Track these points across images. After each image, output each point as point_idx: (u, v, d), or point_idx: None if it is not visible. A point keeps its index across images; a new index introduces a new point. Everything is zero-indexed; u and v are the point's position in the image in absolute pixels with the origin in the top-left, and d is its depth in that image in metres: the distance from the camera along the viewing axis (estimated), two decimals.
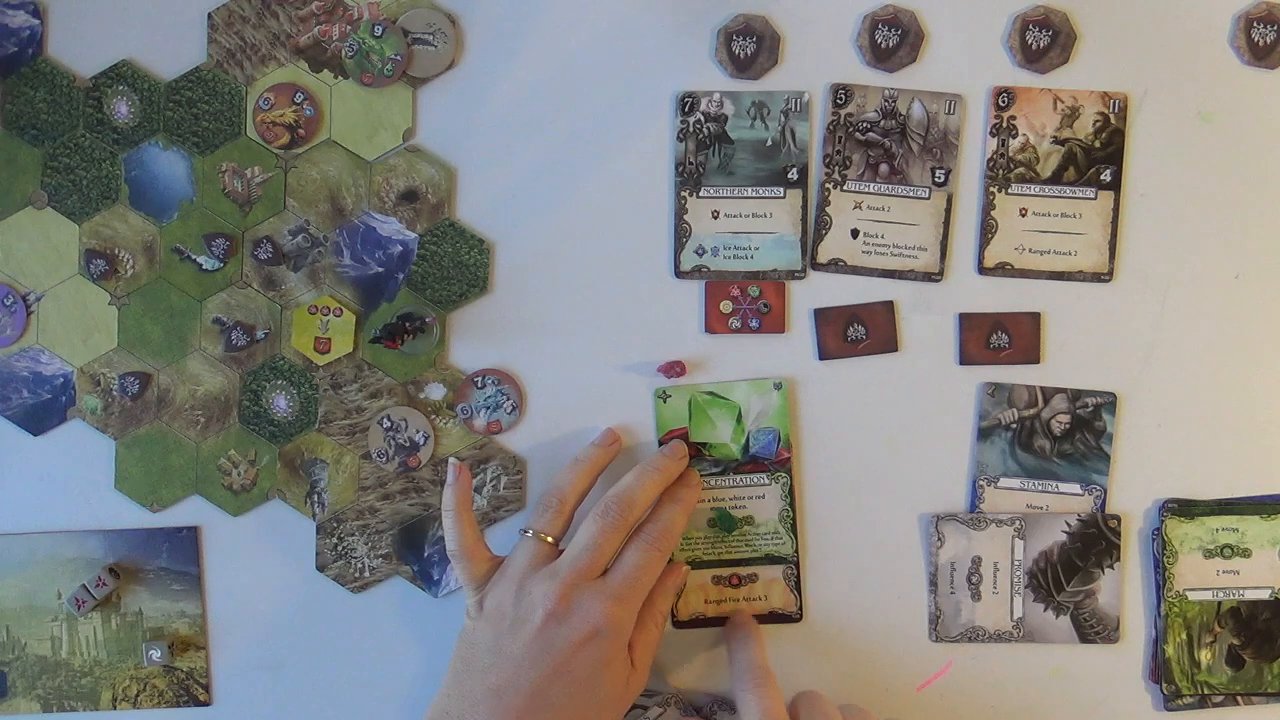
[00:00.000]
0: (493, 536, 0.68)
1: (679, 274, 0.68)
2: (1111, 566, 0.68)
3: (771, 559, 0.69)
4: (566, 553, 0.62)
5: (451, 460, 0.65)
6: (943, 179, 0.68)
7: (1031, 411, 0.68)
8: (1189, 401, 0.68)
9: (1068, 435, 0.68)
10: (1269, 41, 0.68)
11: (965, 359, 0.68)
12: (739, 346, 0.68)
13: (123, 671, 0.69)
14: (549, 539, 0.63)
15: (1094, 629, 0.68)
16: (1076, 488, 0.68)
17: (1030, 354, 0.68)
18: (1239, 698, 0.69)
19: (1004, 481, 0.68)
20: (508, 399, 0.68)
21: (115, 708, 0.69)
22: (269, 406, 0.69)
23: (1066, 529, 0.68)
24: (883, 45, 0.67)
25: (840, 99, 0.68)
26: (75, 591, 0.67)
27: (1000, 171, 0.68)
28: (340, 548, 0.69)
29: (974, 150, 0.68)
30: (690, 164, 0.68)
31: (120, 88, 0.68)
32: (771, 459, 0.68)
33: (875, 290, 0.68)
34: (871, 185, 0.68)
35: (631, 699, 0.63)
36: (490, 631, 0.61)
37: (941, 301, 0.68)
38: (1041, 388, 0.68)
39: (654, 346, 0.68)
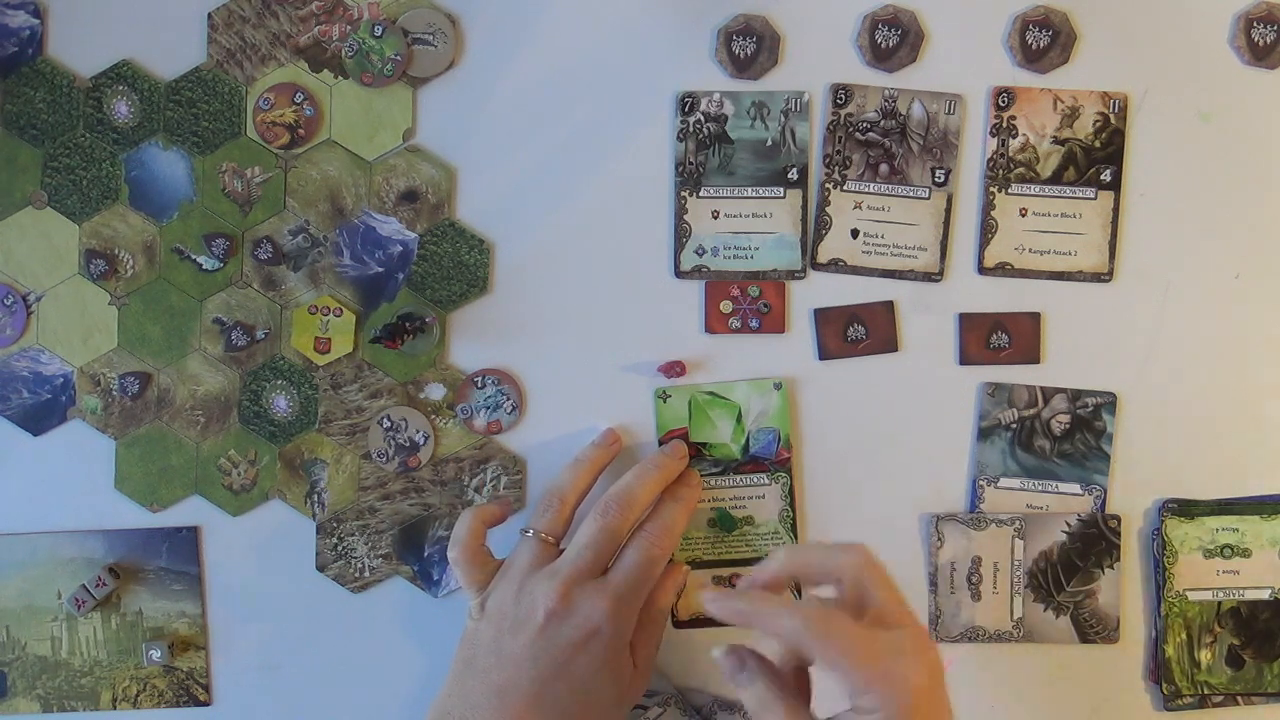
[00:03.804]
0: (493, 537, 0.68)
1: (679, 274, 0.68)
2: (1111, 566, 0.68)
3: None
4: (567, 552, 0.62)
5: (507, 496, 0.68)
6: (943, 179, 0.68)
7: (1031, 411, 0.68)
8: (1189, 401, 0.68)
9: (1068, 435, 0.68)
10: (1269, 41, 0.68)
11: (965, 359, 0.68)
12: (739, 346, 0.68)
13: (123, 671, 0.69)
14: (549, 539, 0.63)
15: (1094, 629, 0.68)
16: (1076, 488, 0.68)
17: (1030, 354, 0.68)
18: (1239, 698, 0.69)
19: (1004, 481, 0.68)
20: (508, 399, 0.68)
21: (115, 708, 0.69)
22: (269, 406, 0.69)
23: (1066, 529, 0.68)
24: (883, 45, 0.67)
25: (840, 99, 0.68)
26: (75, 591, 0.67)
27: (1000, 171, 0.68)
28: (340, 548, 0.69)
29: (974, 150, 0.68)
30: (690, 164, 0.68)
31: (120, 88, 0.68)
32: (771, 459, 0.68)
33: (875, 290, 0.68)
34: (871, 185, 0.68)
35: (634, 699, 0.63)
36: (492, 632, 0.61)
37: (941, 301, 0.68)
38: (1041, 388, 0.68)
39: (654, 346, 0.68)
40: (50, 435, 0.69)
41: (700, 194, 0.68)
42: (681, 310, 0.68)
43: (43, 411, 0.69)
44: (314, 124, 0.68)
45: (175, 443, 0.69)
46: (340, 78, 0.68)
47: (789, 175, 0.68)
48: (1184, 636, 0.68)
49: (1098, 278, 0.68)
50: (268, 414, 0.69)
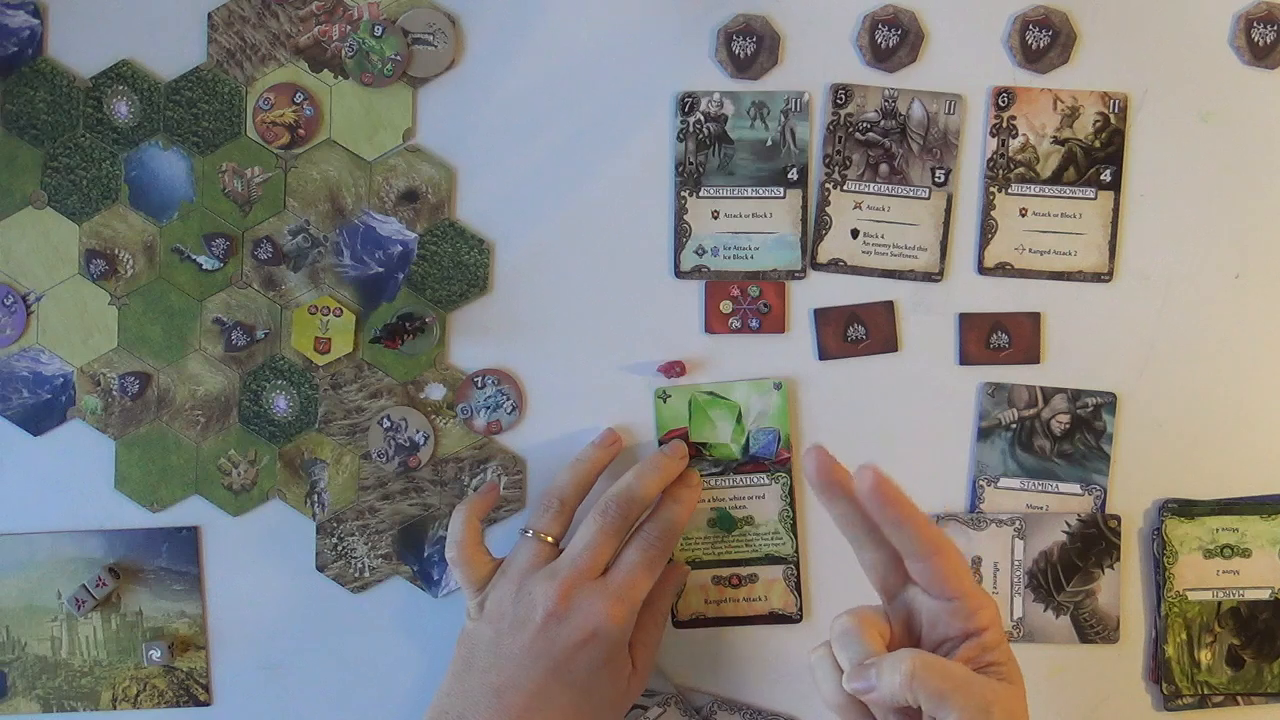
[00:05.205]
0: (493, 536, 0.68)
1: (679, 274, 0.68)
2: (1111, 566, 0.68)
3: (771, 559, 0.69)
4: (566, 552, 0.62)
5: (492, 480, 0.67)
6: (943, 179, 0.68)
7: (1031, 411, 0.68)
8: (1189, 401, 0.68)
9: (1068, 435, 0.68)
10: (1269, 41, 0.68)
11: (965, 359, 0.68)
12: (739, 346, 0.68)
13: (123, 671, 0.69)
14: (549, 539, 0.63)
15: (1094, 629, 0.68)
16: (1076, 488, 0.68)
17: (1030, 354, 0.68)
18: (1239, 698, 0.69)
19: (1004, 481, 0.68)
20: (508, 399, 0.68)
21: (115, 708, 0.69)
22: (269, 406, 0.69)
23: (1066, 529, 0.68)
24: (883, 45, 0.67)
25: (840, 99, 0.68)
26: (75, 591, 0.67)
27: (1000, 171, 0.68)
28: (340, 548, 0.69)
29: (974, 150, 0.68)
30: (690, 164, 0.68)
31: (120, 88, 0.68)
32: (771, 459, 0.68)
33: (875, 290, 0.68)
34: (871, 185, 0.68)
35: (633, 699, 0.63)
36: (490, 631, 0.61)
37: (941, 301, 0.68)
38: (1041, 388, 0.68)
39: (654, 346, 0.68)
40: (50, 435, 0.69)
41: (700, 194, 0.68)
42: (681, 310, 0.68)
43: (43, 411, 0.69)
44: (314, 124, 0.68)
45: (175, 443, 0.69)
46: (340, 78, 0.68)
47: (789, 175, 0.68)
48: (1184, 636, 0.68)
49: (1098, 278, 0.68)
50: (268, 414, 0.69)
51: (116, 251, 0.68)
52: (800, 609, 0.69)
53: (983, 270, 0.68)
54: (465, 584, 0.63)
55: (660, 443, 0.68)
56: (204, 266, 0.68)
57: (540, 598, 0.60)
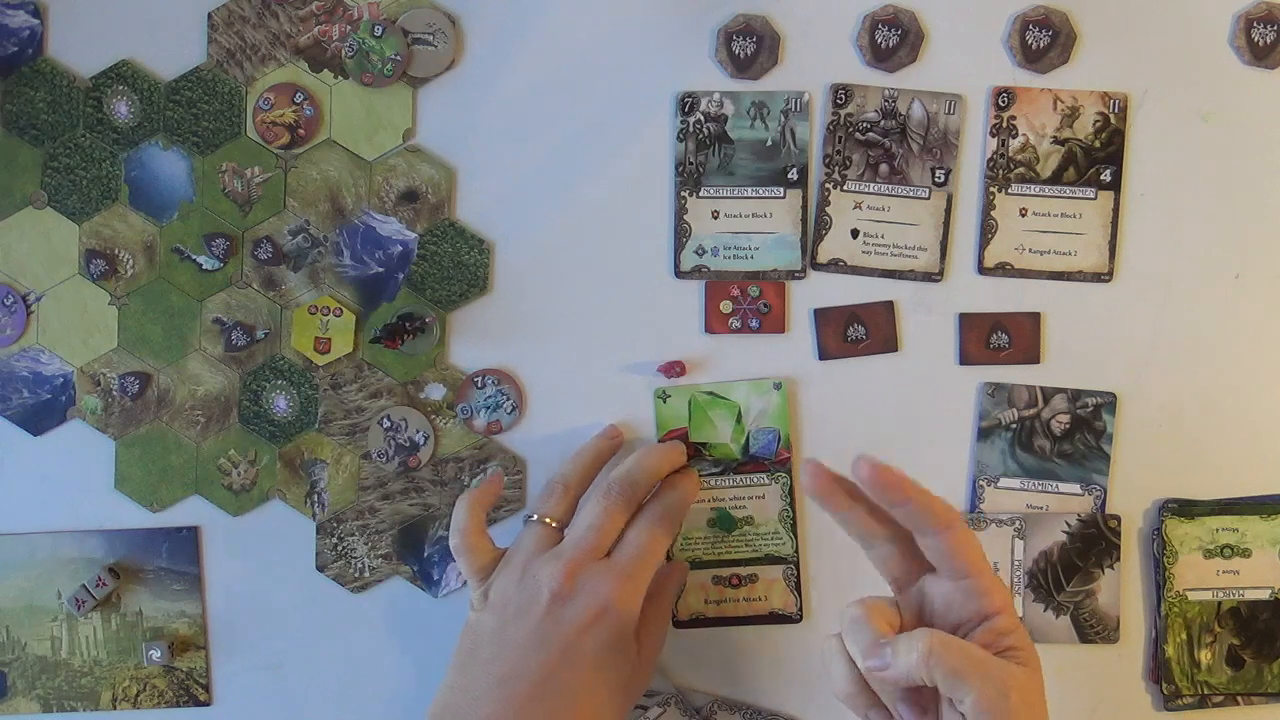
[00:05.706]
0: (493, 534, 0.68)
1: (679, 274, 0.68)
2: (1111, 566, 0.68)
3: (771, 559, 0.69)
4: (570, 533, 0.62)
5: (496, 470, 0.67)
6: (943, 179, 0.68)
7: (1031, 411, 0.68)
8: (1189, 401, 0.68)
9: (1068, 435, 0.68)
10: (1269, 41, 0.68)
11: (965, 359, 0.68)
12: (739, 346, 0.68)
13: (123, 671, 0.69)
14: (553, 523, 0.63)
15: (1094, 629, 0.68)
16: (1076, 488, 0.68)
17: (1030, 354, 0.68)
18: (1239, 698, 0.69)
19: (1004, 481, 0.68)
20: (508, 399, 0.68)
21: (115, 708, 0.69)
22: (269, 406, 0.69)
23: (1066, 529, 0.68)
24: (883, 45, 0.67)
25: (840, 99, 0.68)
26: (75, 591, 0.67)
27: (1000, 171, 0.68)
28: (340, 548, 0.69)
29: (974, 150, 0.68)
30: (690, 164, 0.68)
31: (120, 88, 0.68)
32: (771, 459, 0.68)
33: (875, 290, 0.68)
34: (871, 185, 0.68)
35: (638, 692, 0.62)
36: (495, 620, 0.60)
37: (941, 301, 0.68)
38: (1041, 388, 0.68)
39: (654, 346, 0.68)
40: (50, 435, 0.69)
41: (700, 194, 0.68)
42: (681, 310, 0.68)
43: (43, 411, 0.69)
44: (314, 124, 0.68)
45: (175, 443, 0.69)
46: (340, 78, 0.68)
47: (789, 175, 0.68)
48: (1184, 636, 0.68)
49: (1098, 278, 0.68)
50: (268, 414, 0.69)
51: (116, 251, 0.68)
52: (800, 609, 0.69)
53: (983, 270, 0.68)
54: (468, 572, 0.63)
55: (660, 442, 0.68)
56: (204, 266, 0.68)
57: (545, 579, 0.60)
